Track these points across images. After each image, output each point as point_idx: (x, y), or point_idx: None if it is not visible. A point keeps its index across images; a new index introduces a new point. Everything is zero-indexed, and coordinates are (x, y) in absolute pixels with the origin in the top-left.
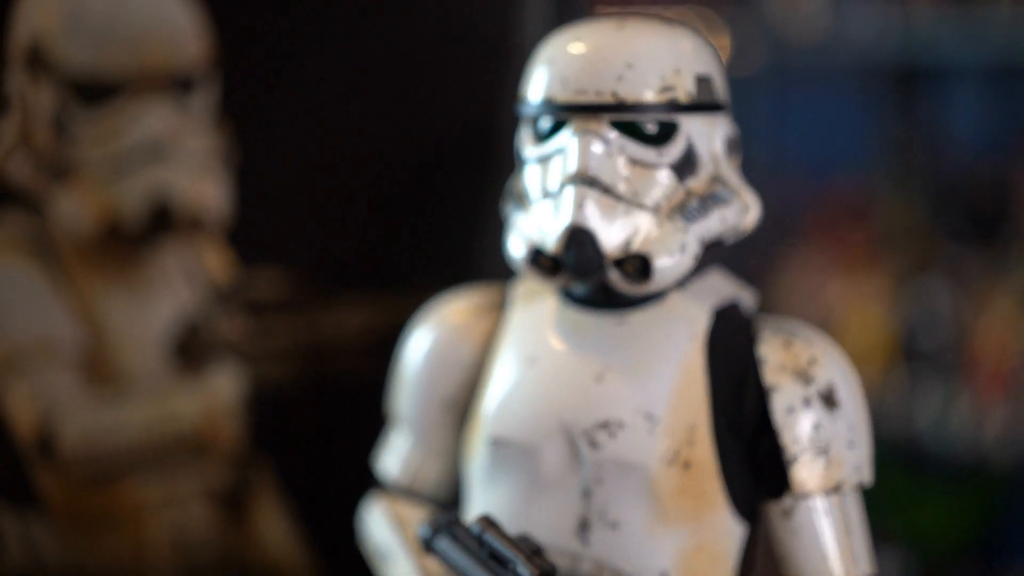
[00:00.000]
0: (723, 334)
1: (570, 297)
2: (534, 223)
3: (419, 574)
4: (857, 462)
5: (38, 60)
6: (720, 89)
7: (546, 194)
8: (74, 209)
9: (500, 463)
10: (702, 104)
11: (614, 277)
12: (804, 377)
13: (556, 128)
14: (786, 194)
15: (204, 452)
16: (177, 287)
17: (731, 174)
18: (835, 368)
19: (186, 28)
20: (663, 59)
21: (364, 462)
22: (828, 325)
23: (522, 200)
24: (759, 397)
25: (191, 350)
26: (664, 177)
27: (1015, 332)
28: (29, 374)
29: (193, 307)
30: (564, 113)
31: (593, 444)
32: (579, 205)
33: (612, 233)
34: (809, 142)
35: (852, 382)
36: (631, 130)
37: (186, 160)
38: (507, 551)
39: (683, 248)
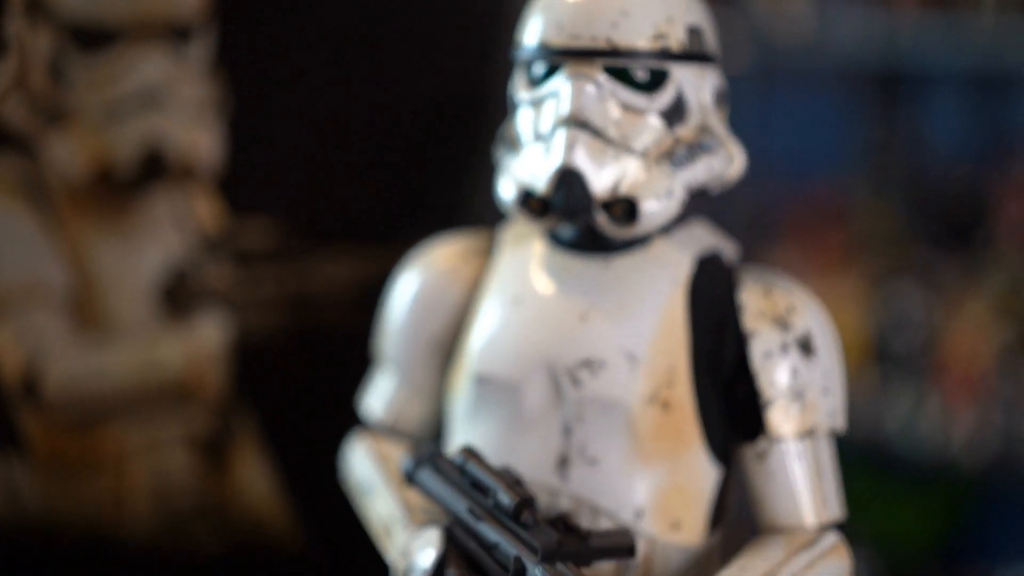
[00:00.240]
0: (705, 280)
1: (557, 241)
2: (525, 165)
3: (400, 506)
4: (831, 408)
5: (37, 5)
6: (711, 42)
7: (538, 137)
8: (67, 153)
9: (483, 400)
10: (693, 54)
11: (601, 220)
12: (782, 324)
13: (550, 73)
14: (765, 195)
15: (188, 399)
16: (167, 234)
17: (718, 125)
18: (812, 317)
19: None
20: (657, 8)
21: (346, 413)
22: None
23: (514, 144)
24: (738, 342)
25: (178, 297)
26: (654, 123)
27: (986, 337)
28: (16, 316)
29: (182, 255)
30: (558, 58)
31: (575, 382)
32: (570, 146)
33: (601, 175)
34: (790, 144)
35: (828, 332)
36: (623, 76)
37: (180, 108)
38: (489, 480)
39: (669, 193)
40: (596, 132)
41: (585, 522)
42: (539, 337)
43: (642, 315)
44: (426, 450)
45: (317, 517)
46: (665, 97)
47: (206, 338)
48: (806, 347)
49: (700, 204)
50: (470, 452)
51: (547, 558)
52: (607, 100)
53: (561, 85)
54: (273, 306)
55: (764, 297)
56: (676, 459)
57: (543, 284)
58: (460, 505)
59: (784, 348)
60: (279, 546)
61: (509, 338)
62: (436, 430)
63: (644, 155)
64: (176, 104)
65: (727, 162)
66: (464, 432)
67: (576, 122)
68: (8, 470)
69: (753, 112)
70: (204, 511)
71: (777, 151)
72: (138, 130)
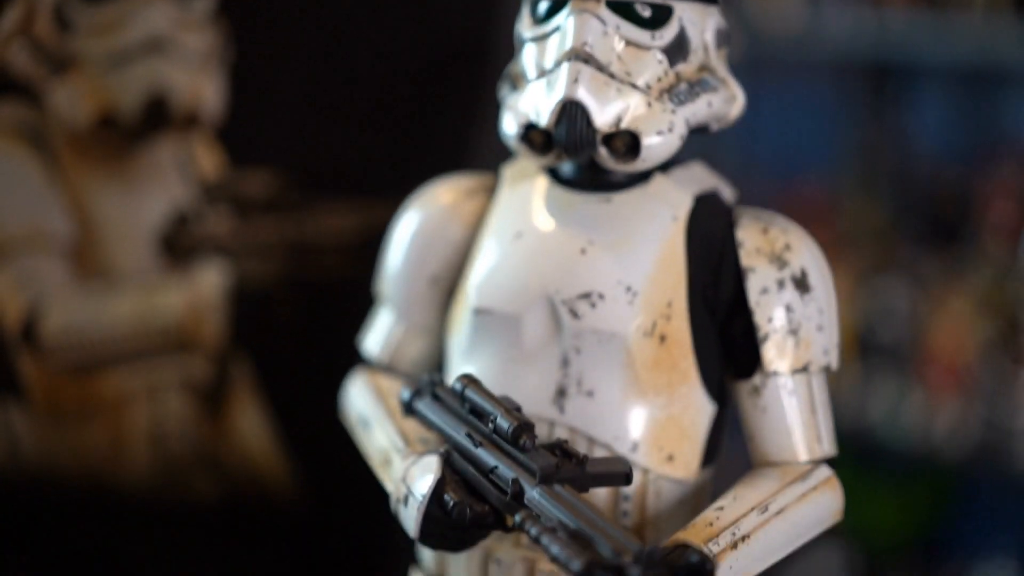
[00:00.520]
0: (704, 217)
1: (558, 178)
2: (529, 100)
3: (398, 436)
4: (825, 345)
5: None
6: None
7: (542, 72)
8: (71, 99)
9: (482, 333)
10: None
11: (603, 154)
12: (779, 261)
13: (554, 10)
14: (753, 189)
15: (187, 346)
16: (169, 183)
17: (719, 65)
18: (809, 255)
19: None
20: None
21: (343, 362)
22: None
23: (518, 81)
24: (735, 278)
25: (179, 244)
26: (656, 60)
27: (969, 332)
28: (17, 262)
29: (184, 202)
30: None
31: (574, 314)
32: (573, 79)
33: (603, 109)
34: (778, 139)
35: (824, 270)
36: (626, 12)
37: (184, 57)
38: (488, 405)
39: (671, 127)
40: (599, 66)
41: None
42: (539, 270)
43: (641, 249)
44: (425, 379)
45: (313, 465)
46: (668, 34)
47: (206, 286)
48: (802, 284)
49: None
50: (469, 378)
51: (545, 480)
52: (611, 35)
53: (565, 20)
54: (272, 255)
55: (761, 234)
56: (672, 392)
57: (543, 219)
58: (459, 431)
59: (780, 284)
60: (275, 493)
61: (509, 271)
62: (435, 368)
63: (646, 90)
64: (180, 53)
65: (728, 101)
66: (463, 366)
67: (580, 56)
68: (6, 417)
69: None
70: (201, 458)
71: (766, 146)
72: (142, 76)
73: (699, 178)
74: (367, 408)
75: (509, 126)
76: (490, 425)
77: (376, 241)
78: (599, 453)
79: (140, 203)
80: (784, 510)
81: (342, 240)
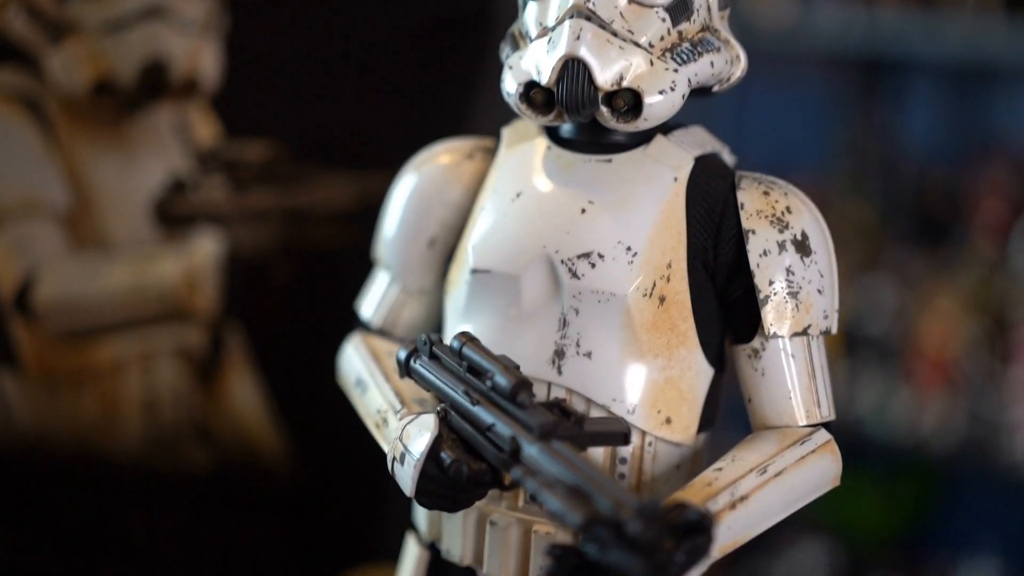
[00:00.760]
0: (704, 179)
1: (558, 140)
2: (530, 58)
3: (394, 397)
4: (825, 309)
5: None
6: None
7: (543, 30)
8: (68, 65)
9: (480, 294)
10: None
11: (604, 113)
12: (780, 223)
13: None
14: None
15: (180, 314)
16: (166, 151)
17: (722, 26)
18: (810, 218)
19: None
20: None
21: (336, 331)
22: None
23: (520, 40)
24: (735, 240)
25: (175, 212)
26: (659, 18)
27: (956, 329)
28: (12, 228)
29: (180, 171)
30: None
31: (574, 273)
32: (575, 36)
33: (605, 66)
34: (768, 135)
35: (825, 234)
36: None
37: (182, 24)
38: (486, 362)
39: (673, 86)
40: (602, 24)
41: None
42: (539, 230)
43: (642, 209)
44: (423, 338)
45: (306, 434)
46: None
47: (200, 254)
48: (803, 247)
49: None
50: (467, 336)
51: (543, 437)
52: None
53: None
54: (268, 224)
55: (763, 197)
56: (671, 354)
57: (543, 180)
58: (456, 389)
59: (781, 247)
60: (268, 463)
61: (508, 231)
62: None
63: (649, 49)
64: (178, 20)
65: (730, 63)
66: (460, 328)
67: (582, 13)
68: None
69: (732, 102)
70: (194, 427)
71: (754, 141)
72: (140, 42)
73: (700, 140)
74: (363, 370)
75: (510, 85)
76: (488, 383)
77: (372, 211)
78: (597, 415)
79: (136, 171)
80: (783, 472)
81: (338, 210)
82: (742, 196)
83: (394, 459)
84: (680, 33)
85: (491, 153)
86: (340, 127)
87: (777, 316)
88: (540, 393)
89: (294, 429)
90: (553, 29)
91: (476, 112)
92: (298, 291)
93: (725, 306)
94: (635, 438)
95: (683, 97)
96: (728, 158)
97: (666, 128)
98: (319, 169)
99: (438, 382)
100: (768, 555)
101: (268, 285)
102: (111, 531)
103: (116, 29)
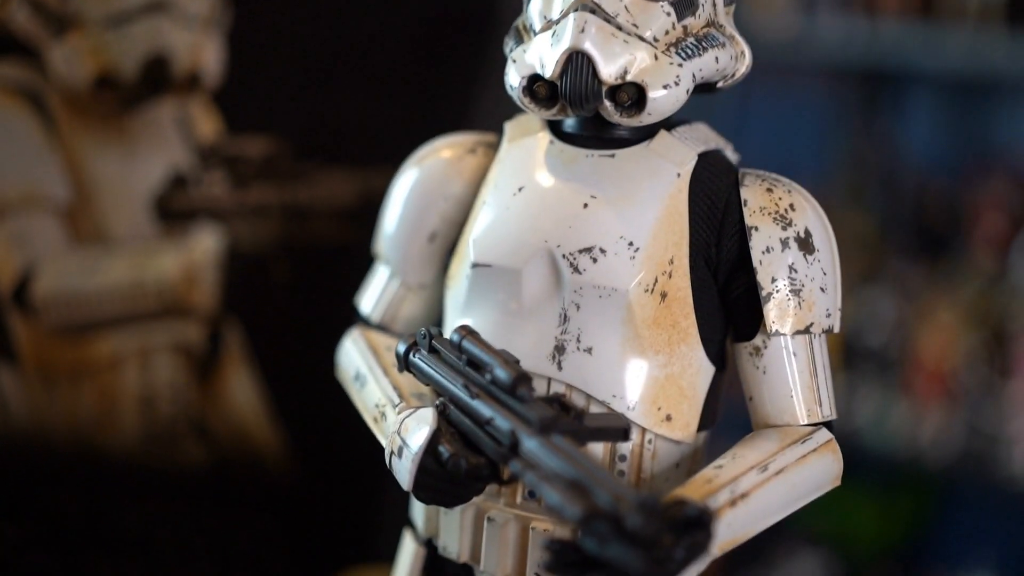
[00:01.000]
0: (708, 175)
1: (561, 134)
2: (534, 52)
3: (392, 391)
4: (828, 307)
5: None
6: None
7: (548, 24)
8: (70, 59)
9: (481, 288)
10: None
11: (608, 107)
12: (783, 220)
13: None
14: None
15: (179, 309)
16: (168, 146)
17: (727, 22)
18: (813, 215)
19: None
20: None
21: (335, 328)
22: None
23: (524, 34)
24: (738, 237)
25: (175, 207)
26: (664, 12)
27: (954, 341)
28: (11, 222)
29: (181, 166)
30: None
31: (575, 268)
32: (580, 30)
33: (609, 61)
34: (768, 146)
35: (828, 232)
36: None
37: (185, 18)
38: (486, 356)
39: (677, 81)
40: (606, 17)
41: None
42: (541, 224)
43: (644, 204)
44: (422, 331)
45: (304, 431)
46: None
47: (200, 250)
48: (805, 244)
49: None
50: (467, 330)
51: (543, 431)
52: None
53: None
54: (268, 220)
55: (766, 193)
56: (671, 351)
57: (546, 174)
58: (455, 382)
59: (784, 244)
60: (265, 459)
61: (510, 226)
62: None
63: (653, 43)
64: (180, 14)
65: (735, 58)
66: (460, 322)
67: (587, 7)
68: None
69: (733, 112)
70: (191, 423)
71: (754, 152)
72: (142, 36)
73: (704, 136)
74: (362, 364)
75: (513, 78)
76: (487, 376)
77: (373, 208)
78: (596, 411)
79: (137, 166)
80: (784, 471)
81: (338, 206)
82: (745, 193)
83: (392, 453)
84: (685, 28)
85: (493, 148)
86: (342, 123)
87: (779, 314)
88: (540, 389)
89: (292, 427)
90: (557, 22)
91: (478, 109)
92: (298, 288)
93: (727, 303)
94: (635, 435)
95: (687, 92)
96: (732, 155)
97: (670, 124)
98: (320, 165)
99: (437, 376)
100: (765, 567)
101: (268, 282)
102: (107, 526)
103: (118, 23)
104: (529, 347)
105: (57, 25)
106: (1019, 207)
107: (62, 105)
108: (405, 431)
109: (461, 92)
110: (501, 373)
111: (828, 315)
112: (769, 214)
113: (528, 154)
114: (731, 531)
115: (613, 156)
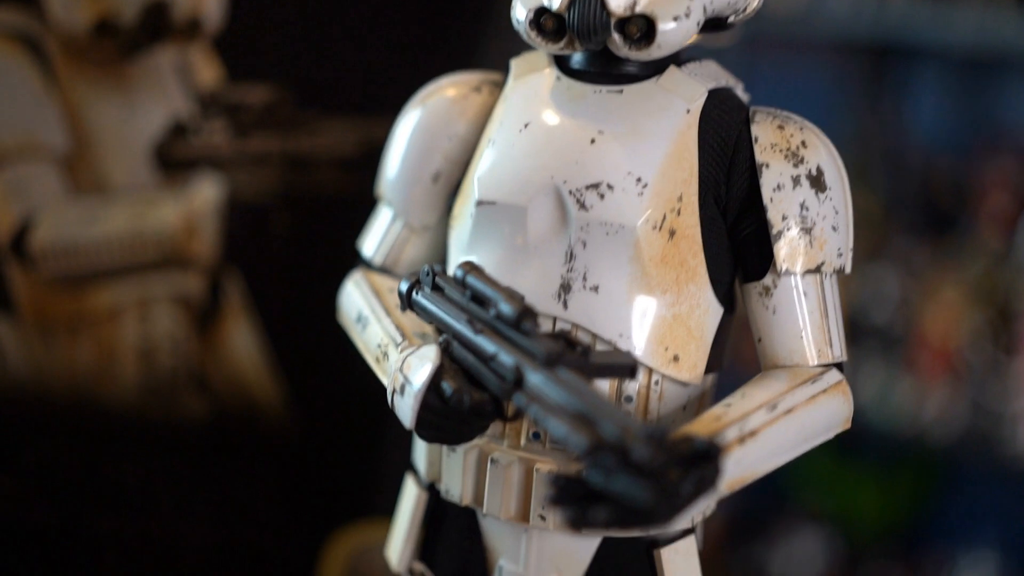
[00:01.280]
0: (718, 112)
1: (568, 70)
2: None
3: (395, 330)
4: (839, 246)
5: None
6: None
7: None
8: (69, 3)
9: (485, 226)
10: None
11: (616, 40)
12: (795, 158)
13: None
14: None
15: (179, 259)
16: (168, 94)
17: None
18: (826, 153)
19: None
20: None
21: (335, 278)
22: None
23: None
24: (748, 174)
25: (175, 156)
26: None
27: (959, 319)
28: (9, 171)
29: (181, 114)
30: None
31: (582, 204)
32: None
33: None
34: None
35: (840, 171)
36: None
37: None
38: (490, 290)
39: (688, 12)
40: None
41: None
42: (547, 160)
43: (653, 140)
44: (425, 269)
45: (304, 383)
46: None
47: (200, 199)
48: (817, 182)
49: None
50: (471, 265)
51: (548, 364)
52: None
53: None
54: (268, 169)
55: (777, 130)
56: (679, 290)
57: (552, 110)
58: (459, 318)
59: (795, 181)
60: (265, 411)
61: (515, 162)
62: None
63: None
64: None
65: None
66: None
67: None
68: None
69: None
70: (190, 375)
71: None
72: None
73: (714, 73)
74: (364, 305)
75: (520, 11)
76: (492, 311)
77: (375, 157)
78: (603, 349)
79: (137, 114)
80: (793, 410)
81: (340, 156)
82: (756, 130)
83: (394, 391)
84: None
85: (499, 87)
86: (343, 71)
87: (790, 252)
88: (545, 328)
89: (292, 379)
90: None
91: (483, 58)
92: (298, 238)
93: (736, 242)
94: (641, 376)
95: (698, 24)
96: (742, 94)
97: (679, 60)
98: (321, 114)
99: (440, 312)
100: (766, 544)
101: (268, 232)
102: (105, 479)
103: None
104: (534, 286)
105: None
106: None
107: (61, 52)
108: (407, 368)
109: (465, 41)
110: (505, 307)
111: (840, 255)
112: (780, 151)
113: (534, 91)
114: (739, 468)
115: (621, 92)
